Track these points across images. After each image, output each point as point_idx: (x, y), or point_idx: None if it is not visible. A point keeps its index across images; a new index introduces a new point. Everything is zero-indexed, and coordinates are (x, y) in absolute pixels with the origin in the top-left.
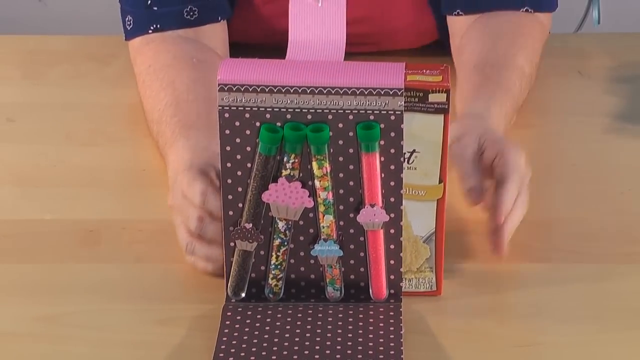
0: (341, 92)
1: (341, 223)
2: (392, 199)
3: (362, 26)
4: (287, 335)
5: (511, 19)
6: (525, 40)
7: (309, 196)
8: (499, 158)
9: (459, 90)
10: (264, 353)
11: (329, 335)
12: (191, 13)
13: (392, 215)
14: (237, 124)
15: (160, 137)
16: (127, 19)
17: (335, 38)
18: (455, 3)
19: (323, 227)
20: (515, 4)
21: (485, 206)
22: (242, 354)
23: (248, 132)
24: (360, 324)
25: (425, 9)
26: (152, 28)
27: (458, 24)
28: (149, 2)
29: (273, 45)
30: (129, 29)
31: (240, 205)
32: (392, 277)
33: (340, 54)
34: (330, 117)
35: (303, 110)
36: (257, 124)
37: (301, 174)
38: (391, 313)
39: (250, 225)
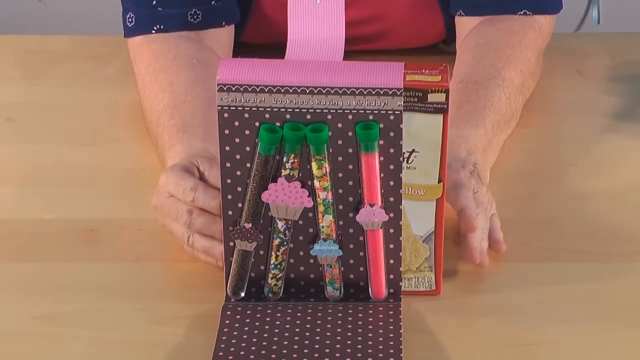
0: (340, 92)
1: (340, 223)
2: (391, 199)
3: (365, 27)
4: (286, 334)
5: (504, 27)
6: (514, 50)
7: (308, 196)
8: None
9: None
10: (263, 352)
11: (328, 334)
12: (195, 16)
13: (392, 214)
14: (237, 124)
15: (158, 140)
16: (128, 16)
17: (335, 36)
18: (458, 3)
19: (322, 227)
20: (514, 8)
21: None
22: (242, 353)
23: (247, 132)
24: (360, 323)
25: (434, 8)
26: (155, 28)
27: (461, 25)
28: (154, 2)
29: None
30: (129, 26)
31: (240, 205)
32: (391, 276)
33: (339, 52)
34: (329, 117)
35: (302, 110)
36: (257, 124)
37: (300, 174)
38: (391, 312)
39: (250, 225)
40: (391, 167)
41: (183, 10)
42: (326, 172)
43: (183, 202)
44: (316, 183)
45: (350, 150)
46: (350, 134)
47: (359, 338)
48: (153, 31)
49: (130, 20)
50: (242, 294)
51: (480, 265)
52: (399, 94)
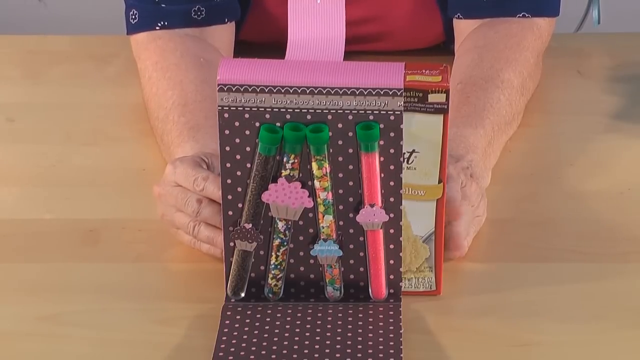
0: (340, 92)
1: (341, 223)
2: (391, 199)
3: (365, 27)
4: (286, 335)
5: (502, 29)
6: (513, 52)
7: (308, 196)
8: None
9: None
10: (263, 352)
11: (328, 334)
12: (199, 13)
13: (392, 215)
14: (237, 124)
15: (165, 136)
16: (131, 12)
17: (335, 36)
18: (457, 6)
19: (323, 227)
20: (513, 10)
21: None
22: (242, 354)
23: (247, 132)
24: (360, 323)
25: (433, 10)
26: (159, 25)
27: (459, 28)
28: None
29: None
30: (133, 23)
31: (240, 205)
32: (391, 276)
33: (339, 52)
34: (329, 117)
35: (302, 110)
36: (257, 124)
37: (301, 174)
38: (391, 312)
39: (250, 225)
40: (391, 167)
41: (186, 6)
42: (326, 173)
43: (192, 192)
44: (316, 183)
45: (350, 151)
46: (350, 134)
47: (359, 338)
48: (157, 27)
49: (133, 17)
50: (242, 294)
51: (459, 255)
52: (399, 94)
